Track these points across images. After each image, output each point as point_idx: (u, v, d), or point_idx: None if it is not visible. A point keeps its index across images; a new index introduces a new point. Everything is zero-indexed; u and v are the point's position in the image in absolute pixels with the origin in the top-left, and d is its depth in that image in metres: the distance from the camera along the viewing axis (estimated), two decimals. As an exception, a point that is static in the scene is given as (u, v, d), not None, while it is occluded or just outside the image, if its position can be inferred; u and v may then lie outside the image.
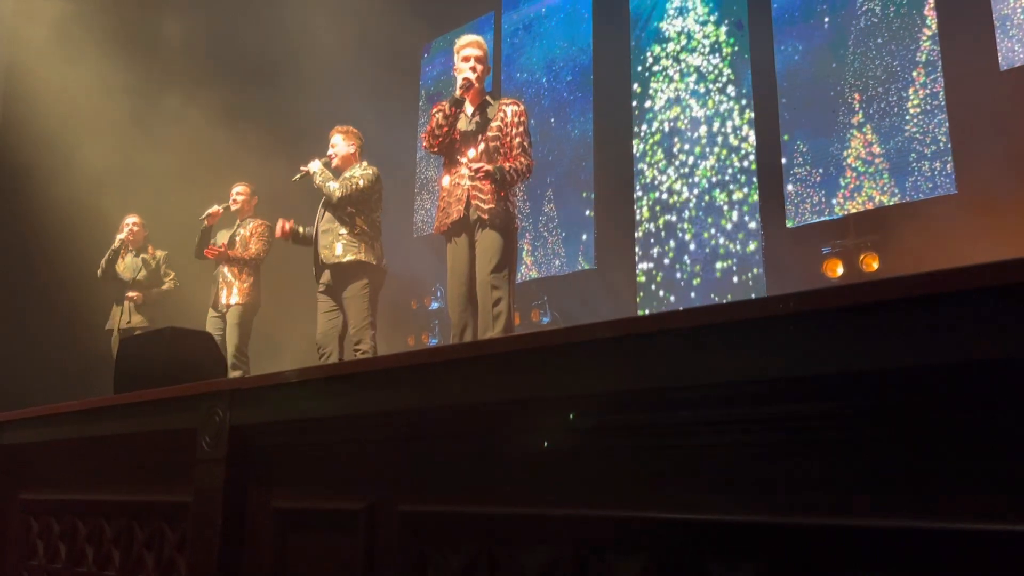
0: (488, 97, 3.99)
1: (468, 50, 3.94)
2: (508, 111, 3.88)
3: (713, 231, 6.84)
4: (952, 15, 5.82)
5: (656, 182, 7.31)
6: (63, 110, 6.82)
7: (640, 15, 7.80)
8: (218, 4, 7.82)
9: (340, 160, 4.70)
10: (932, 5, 5.93)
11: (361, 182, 4.52)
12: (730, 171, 6.83)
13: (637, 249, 7.30)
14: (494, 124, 3.85)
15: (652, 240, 7.22)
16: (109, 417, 2.16)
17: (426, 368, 1.40)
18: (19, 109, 6.89)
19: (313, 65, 8.08)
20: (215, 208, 5.62)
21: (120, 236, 6.17)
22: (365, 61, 8.39)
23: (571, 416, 1.21)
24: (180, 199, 6.59)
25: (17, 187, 6.81)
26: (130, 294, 6.14)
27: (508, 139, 3.83)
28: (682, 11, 7.45)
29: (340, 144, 4.73)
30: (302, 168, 4.67)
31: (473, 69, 3.89)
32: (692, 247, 6.95)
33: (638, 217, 7.37)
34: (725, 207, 6.80)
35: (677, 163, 7.19)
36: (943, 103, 5.76)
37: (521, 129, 3.86)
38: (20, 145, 6.81)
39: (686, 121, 7.21)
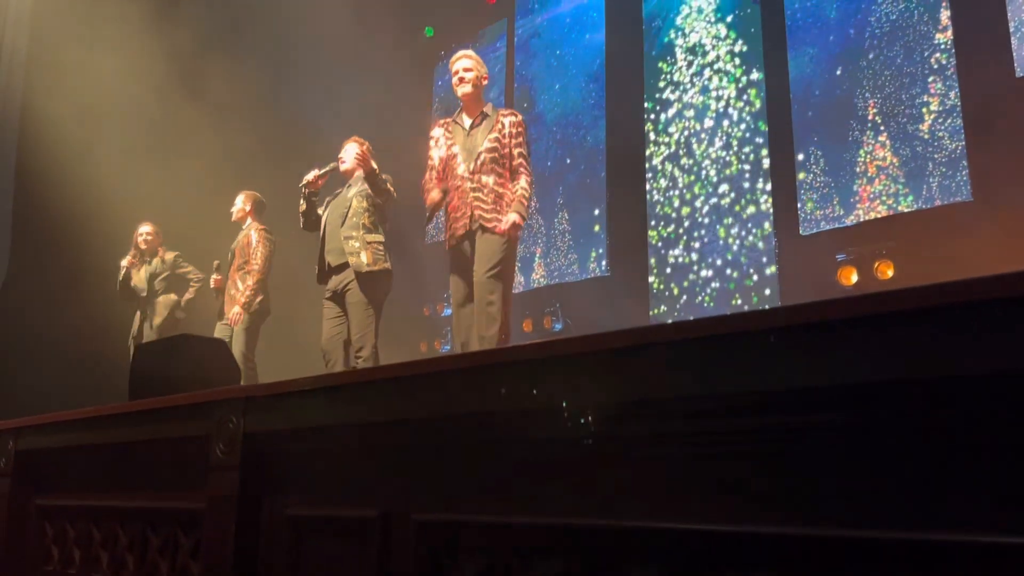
0: (487, 108, 4.06)
1: (459, 64, 4.13)
2: (506, 122, 3.96)
3: (726, 239, 6.81)
4: (968, 21, 5.79)
5: (669, 189, 7.30)
6: (83, 109, 6.84)
7: (653, 22, 7.80)
8: (232, 13, 7.88)
9: (350, 166, 4.71)
10: (947, 11, 5.90)
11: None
12: (743, 178, 6.81)
13: (650, 256, 7.28)
14: (491, 136, 3.91)
15: (665, 247, 7.20)
16: (124, 424, 2.18)
17: (440, 376, 1.40)
18: (38, 108, 6.92)
19: (330, 74, 8.13)
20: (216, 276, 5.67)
21: (124, 262, 6.12)
22: (381, 69, 8.43)
23: (584, 425, 1.20)
24: (197, 202, 6.62)
25: (37, 187, 6.82)
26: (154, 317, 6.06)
27: (507, 150, 3.89)
28: (695, 18, 7.45)
29: (352, 152, 4.75)
30: (328, 167, 4.71)
31: (461, 79, 4.07)
32: (705, 254, 6.92)
33: (651, 224, 7.36)
34: (738, 214, 6.78)
35: (690, 170, 7.18)
36: (958, 110, 5.72)
37: (520, 140, 3.94)
38: (39, 146, 6.84)
39: (699, 128, 7.20)
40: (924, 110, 5.88)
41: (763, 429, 1.03)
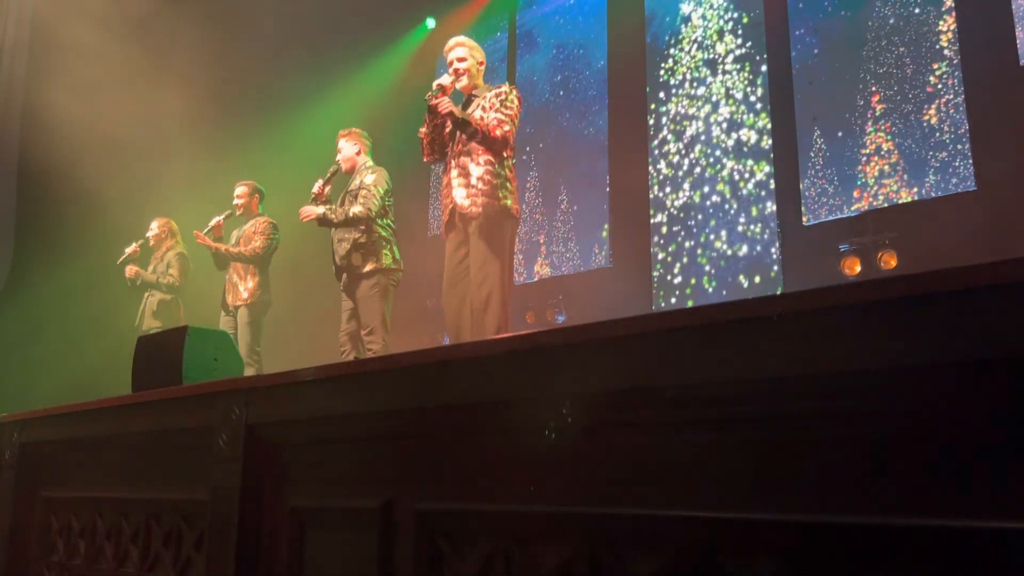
0: (477, 89, 3.97)
1: (452, 55, 4.00)
2: (490, 95, 3.85)
3: (729, 229, 6.80)
4: (971, 10, 5.76)
5: (671, 179, 7.29)
6: (86, 105, 6.82)
7: (655, 12, 7.77)
8: (234, 13, 7.85)
9: (347, 163, 4.72)
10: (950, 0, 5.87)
11: (376, 188, 4.53)
12: (746, 168, 6.80)
13: (653, 247, 7.28)
14: (475, 112, 3.82)
15: (668, 238, 7.19)
16: (127, 416, 2.18)
17: (441, 366, 1.40)
18: (41, 102, 6.90)
19: (331, 68, 8.11)
20: (215, 220, 5.59)
21: (127, 252, 6.11)
22: (382, 63, 8.41)
23: (585, 413, 1.20)
24: (200, 201, 6.60)
25: (41, 182, 6.81)
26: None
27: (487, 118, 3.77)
28: (698, 7, 7.42)
29: (346, 148, 4.76)
30: (329, 172, 4.69)
31: (456, 72, 3.93)
32: (708, 245, 6.91)
33: (654, 215, 7.35)
34: (741, 205, 6.77)
35: (692, 160, 7.17)
36: (962, 99, 5.70)
37: (501, 105, 3.78)
38: (41, 141, 6.82)
39: (701, 118, 7.18)
40: (927, 99, 5.86)
41: (765, 416, 1.02)
